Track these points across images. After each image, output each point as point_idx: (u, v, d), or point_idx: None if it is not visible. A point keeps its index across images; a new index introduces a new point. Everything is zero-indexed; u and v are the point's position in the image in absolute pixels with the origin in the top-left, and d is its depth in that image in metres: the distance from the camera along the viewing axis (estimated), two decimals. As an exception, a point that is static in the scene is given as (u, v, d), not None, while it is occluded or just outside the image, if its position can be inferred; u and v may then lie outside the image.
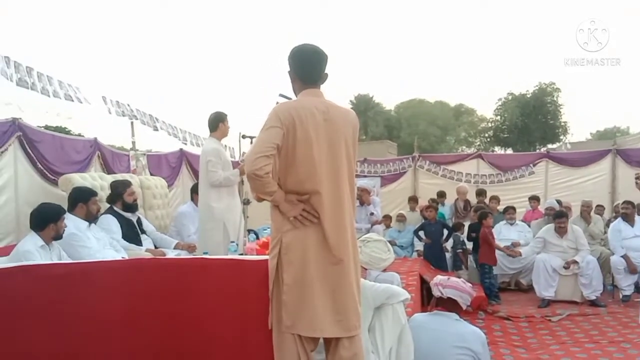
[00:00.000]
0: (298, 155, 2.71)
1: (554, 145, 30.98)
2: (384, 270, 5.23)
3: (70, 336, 3.01)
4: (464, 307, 3.76)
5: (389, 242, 6.31)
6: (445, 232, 7.82)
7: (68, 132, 10.66)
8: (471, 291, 3.80)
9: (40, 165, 5.48)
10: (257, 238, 6.18)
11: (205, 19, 71.59)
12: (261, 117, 2.77)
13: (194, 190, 6.55)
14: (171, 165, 8.82)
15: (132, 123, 7.63)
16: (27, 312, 3.04)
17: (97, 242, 4.53)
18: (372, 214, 8.84)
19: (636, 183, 7.50)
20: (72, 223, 4.34)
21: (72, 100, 5.87)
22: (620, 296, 6.89)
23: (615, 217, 7.78)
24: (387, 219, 9.36)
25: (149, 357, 3.03)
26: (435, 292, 3.79)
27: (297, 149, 2.70)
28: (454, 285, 3.73)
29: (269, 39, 73.32)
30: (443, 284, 3.76)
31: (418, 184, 11.78)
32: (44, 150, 5.58)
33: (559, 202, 8.63)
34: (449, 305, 3.71)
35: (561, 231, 7.01)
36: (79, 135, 8.75)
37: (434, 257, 7.55)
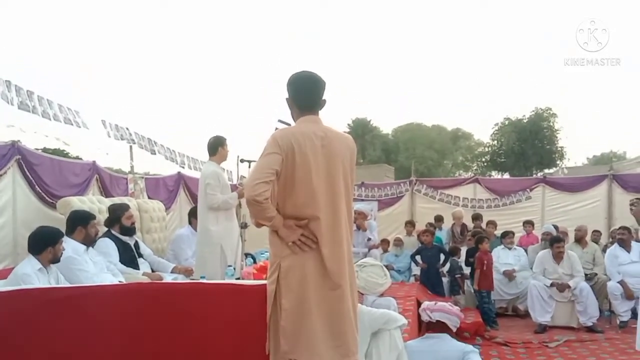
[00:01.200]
0: (297, 180, 2.74)
1: (551, 170, 31.09)
2: (381, 295, 5.23)
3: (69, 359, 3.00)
4: (454, 329, 3.78)
5: (386, 266, 6.32)
6: (442, 256, 7.82)
7: (66, 155, 10.67)
8: (459, 313, 3.85)
9: (38, 188, 5.48)
10: (254, 262, 6.18)
11: (202, 44, 72.06)
12: (260, 141, 2.81)
13: (192, 214, 6.57)
14: (169, 189, 8.84)
15: (130, 147, 7.66)
16: (26, 335, 3.04)
17: (94, 265, 4.51)
18: (369, 239, 8.86)
19: (631, 209, 7.53)
20: (70, 246, 4.33)
21: (72, 124, 5.91)
22: (618, 322, 6.87)
23: (612, 243, 7.79)
24: (384, 243, 9.35)
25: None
26: (424, 317, 3.83)
27: (295, 175, 2.74)
28: (441, 308, 3.77)
29: (266, 65, 73.73)
30: (431, 308, 3.80)
31: (415, 208, 11.80)
32: (43, 173, 5.59)
33: (555, 227, 8.65)
34: (438, 328, 3.74)
35: (558, 256, 7.03)
36: (77, 158, 8.77)
37: (430, 282, 7.53)
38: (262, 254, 6.77)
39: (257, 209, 2.70)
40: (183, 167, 9.36)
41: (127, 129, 7.49)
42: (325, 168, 2.80)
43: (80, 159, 8.14)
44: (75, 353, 3.06)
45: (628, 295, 6.73)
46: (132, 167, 7.72)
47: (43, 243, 3.97)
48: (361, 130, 44.20)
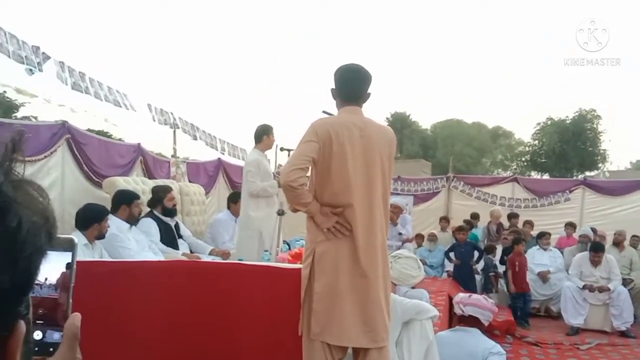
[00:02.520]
0: (333, 169, 2.82)
1: (592, 173, 30.44)
2: (413, 287, 5.28)
3: (113, 331, 3.14)
4: (486, 324, 3.80)
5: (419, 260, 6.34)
6: (476, 253, 7.81)
7: (109, 137, 10.95)
8: (493, 307, 3.85)
9: (86, 168, 5.65)
10: (289, 249, 6.28)
11: (248, 32, 72.57)
12: (301, 130, 2.90)
13: (231, 199, 6.70)
14: (209, 174, 8.99)
15: (174, 131, 7.83)
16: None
17: (137, 243, 4.67)
18: (400, 233, 8.87)
19: None
20: (114, 224, 4.49)
21: (120, 106, 6.10)
22: (652, 328, 6.80)
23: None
24: (418, 238, 9.36)
25: (184, 355, 3.15)
26: (457, 310, 3.85)
27: (332, 163, 2.81)
28: (475, 302, 3.78)
29: (311, 55, 73.75)
30: (464, 302, 3.82)
31: (451, 204, 11.72)
32: (90, 153, 5.76)
33: (593, 230, 8.53)
34: (470, 322, 3.77)
35: (596, 261, 6.97)
36: (120, 140, 9.01)
37: (462, 279, 7.54)
38: (297, 241, 6.87)
39: (292, 195, 2.80)
40: (223, 154, 9.50)
41: (171, 113, 7.68)
42: (362, 158, 2.87)
43: (122, 140, 8.37)
44: (116, 325, 3.19)
45: (664, 301, 6.64)
46: (174, 150, 7.90)
47: (89, 219, 4.14)
48: (400, 124, 43.91)
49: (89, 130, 7.36)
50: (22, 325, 0.54)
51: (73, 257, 0.72)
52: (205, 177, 8.80)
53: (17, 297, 0.52)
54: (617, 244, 7.94)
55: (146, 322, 3.19)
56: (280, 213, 5.61)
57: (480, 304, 3.77)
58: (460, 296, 3.92)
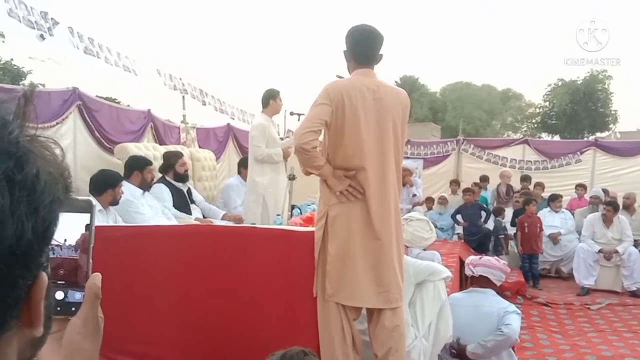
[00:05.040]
0: (346, 132, 2.82)
1: (603, 134, 30.14)
2: (425, 249, 5.30)
3: (127, 295, 3.19)
4: (498, 284, 3.83)
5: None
6: (483, 214, 7.83)
7: (117, 103, 10.95)
8: (504, 268, 3.87)
9: (97, 134, 5.67)
10: (301, 213, 6.32)
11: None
12: (311, 95, 2.90)
13: (242, 164, 6.72)
14: (218, 139, 8.99)
15: (183, 97, 7.82)
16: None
17: (150, 209, 4.70)
18: (414, 195, 8.88)
19: None
20: (128, 190, 4.52)
21: (130, 72, 6.09)
22: (663, 288, 6.82)
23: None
24: (428, 201, 9.37)
25: (199, 317, 3.20)
26: (467, 271, 3.88)
27: (345, 126, 2.81)
28: (484, 263, 3.80)
29: (322, 15, 72.78)
30: (474, 262, 3.84)
31: (461, 167, 11.66)
32: (101, 119, 5.77)
33: (605, 191, 8.51)
34: (482, 283, 3.79)
35: (606, 219, 6.96)
36: (128, 106, 9.00)
37: (472, 240, 7.58)
38: (308, 205, 6.90)
39: (304, 157, 2.81)
40: (233, 119, 9.49)
41: (180, 79, 7.66)
42: (375, 121, 2.86)
43: (129, 106, 8.35)
44: (131, 289, 3.24)
45: (674, 262, 6.65)
46: (184, 116, 7.89)
47: (104, 185, 4.16)
48: (408, 87, 43.33)
49: (97, 97, 7.36)
50: (45, 276, 0.55)
51: (91, 218, 0.73)
52: (215, 143, 8.80)
53: (39, 246, 0.53)
54: (627, 207, 7.90)
55: (161, 286, 3.24)
56: (291, 178, 5.64)
57: (489, 264, 3.78)
58: (471, 258, 3.94)
